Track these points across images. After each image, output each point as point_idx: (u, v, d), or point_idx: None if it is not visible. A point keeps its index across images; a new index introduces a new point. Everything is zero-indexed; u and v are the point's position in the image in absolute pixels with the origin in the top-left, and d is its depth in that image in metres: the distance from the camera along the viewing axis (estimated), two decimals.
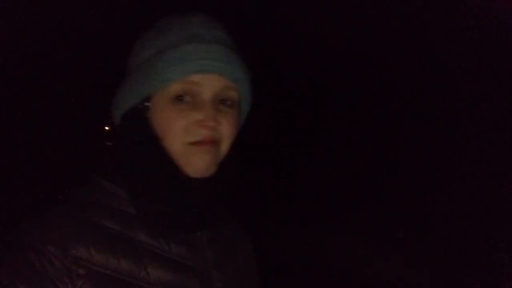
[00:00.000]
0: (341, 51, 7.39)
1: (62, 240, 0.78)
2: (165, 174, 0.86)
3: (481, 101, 5.68)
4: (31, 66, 6.67)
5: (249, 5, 7.02)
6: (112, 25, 6.47)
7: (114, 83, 0.96)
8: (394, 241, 6.10)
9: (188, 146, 0.87)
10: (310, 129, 8.93)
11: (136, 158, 0.87)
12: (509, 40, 5.05)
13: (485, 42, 5.53)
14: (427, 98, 6.43)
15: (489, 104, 5.61)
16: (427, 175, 6.46)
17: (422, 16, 6.09)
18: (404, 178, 6.76)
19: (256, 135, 7.85)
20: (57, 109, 7.30)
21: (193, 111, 0.86)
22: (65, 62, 7.00)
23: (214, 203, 0.90)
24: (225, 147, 0.90)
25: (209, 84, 0.87)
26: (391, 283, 5.38)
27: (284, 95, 8.77)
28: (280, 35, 7.87)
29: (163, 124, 0.87)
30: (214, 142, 0.88)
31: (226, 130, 0.89)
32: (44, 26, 6.36)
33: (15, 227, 0.81)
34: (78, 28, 6.58)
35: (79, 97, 7.46)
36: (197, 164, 0.87)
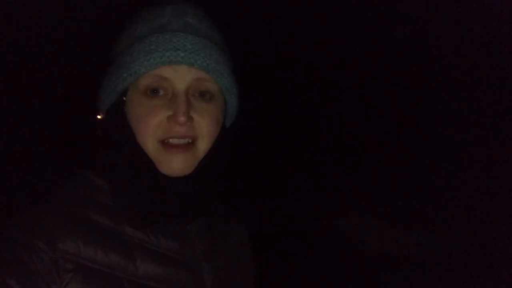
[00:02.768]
0: (340, 47, 7.39)
1: (50, 234, 0.77)
2: (140, 172, 0.83)
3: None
4: (16, 57, 6.58)
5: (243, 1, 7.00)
6: (98, 14, 6.39)
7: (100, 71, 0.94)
8: (396, 214, 6.17)
9: (160, 145, 0.83)
10: (316, 106, 8.90)
11: (114, 154, 0.85)
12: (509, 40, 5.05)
13: (486, 42, 5.53)
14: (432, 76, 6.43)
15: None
16: (429, 150, 6.55)
17: (422, 16, 6.09)
18: (409, 151, 6.83)
19: (261, 113, 7.87)
20: (43, 100, 7.20)
21: (164, 108, 0.82)
22: (51, 53, 6.90)
23: (194, 199, 0.86)
24: (204, 144, 0.86)
25: (179, 77, 0.83)
26: (393, 255, 5.43)
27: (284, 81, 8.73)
28: (280, 33, 7.87)
29: (136, 121, 0.84)
30: (188, 145, 0.84)
31: (203, 127, 0.85)
32: (29, 15, 6.25)
33: (4, 222, 0.80)
34: (63, 17, 6.47)
35: (66, 87, 7.34)
36: (171, 166, 0.83)
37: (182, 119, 0.81)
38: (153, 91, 0.83)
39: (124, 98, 0.86)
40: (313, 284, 4.58)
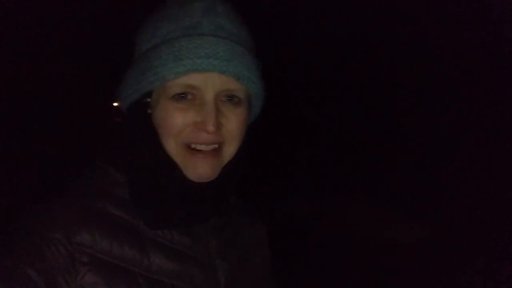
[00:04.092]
0: (340, 47, 7.40)
1: (67, 227, 0.77)
2: (160, 173, 0.83)
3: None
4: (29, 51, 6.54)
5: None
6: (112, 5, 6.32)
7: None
8: (408, 207, 6.20)
9: (185, 148, 0.82)
10: (328, 101, 8.88)
11: (136, 153, 0.85)
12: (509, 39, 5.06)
13: (486, 42, 5.54)
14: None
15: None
16: (429, 150, 6.58)
17: (422, 16, 6.10)
18: (419, 145, 6.84)
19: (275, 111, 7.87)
20: (61, 91, 7.16)
21: (192, 112, 0.81)
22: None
23: (215, 201, 0.87)
24: (231, 149, 0.85)
25: (209, 84, 0.80)
26: (406, 246, 5.47)
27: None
28: (280, 34, 7.87)
29: (160, 122, 0.83)
30: (215, 150, 0.83)
31: (232, 132, 0.84)
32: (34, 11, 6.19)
33: (19, 214, 0.80)
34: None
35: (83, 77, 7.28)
36: (198, 171, 0.82)
37: (211, 128, 0.79)
38: (181, 95, 0.81)
39: (149, 100, 0.85)
40: (314, 284, 4.58)
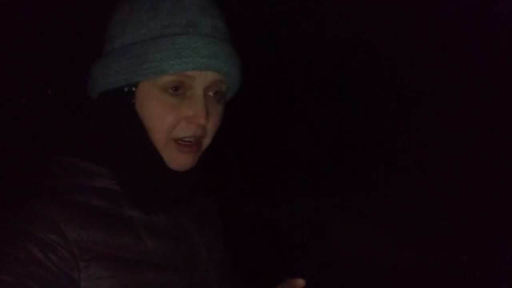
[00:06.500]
0: (340, 47, 7.39)
1: (60, 225, 0.76)
2: (149, 164, 0.86)
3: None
4: None
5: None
6: None
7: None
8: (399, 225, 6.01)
9: (172, 141, 0.87)
10: (315, 107, 8.85)
11: (120, 143, 0.86)
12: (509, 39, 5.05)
13: (486, 42, 5.53)
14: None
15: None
16: (429, 152, 6.47)
17: (422, 17, 6.09)
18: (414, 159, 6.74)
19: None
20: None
21: (184, 107, 0.85)
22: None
23: (190, 187, 0.93)
24: (208, 142, 0.92)
25: (201, 79, 0.85)
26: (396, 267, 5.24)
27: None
28: (280, 34, 7.87)
29: (151, 115, 0.85)
30: (197, 143, 0.89)
31: (212, 126, 0.90)
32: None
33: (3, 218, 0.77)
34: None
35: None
36: (179, 162, 0.88)
37: (204, 121, 0.85)
38: (173, 89, 0.84)
39: (134, 89, 0.86)
40: None
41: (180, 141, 0.87)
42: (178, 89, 0.85)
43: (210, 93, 0.88)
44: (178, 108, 0.85)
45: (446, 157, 6.21)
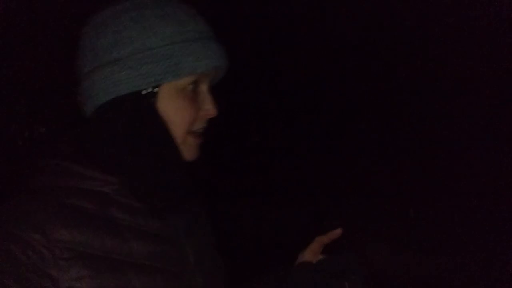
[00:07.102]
0: (340, 47, 7.40)
1: (44, 225, 0.76)
2: (167, 160, 0.90)
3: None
4: None
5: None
6: None
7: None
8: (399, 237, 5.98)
9: (189, 134, 0.92)
10: (315, 115, 8.85)
11: (141, 141, 0.88)
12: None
13: (486, 42, 5.53)
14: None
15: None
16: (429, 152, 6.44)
17: (423, 16, 6.09)
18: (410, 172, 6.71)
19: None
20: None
21: (200, 101, 0.92)
22: None
23: (199, 178, 0.98)
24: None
25: (213, 76, 0.95)
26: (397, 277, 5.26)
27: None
28: (280, 33, 7.88)
29: (176, 112, 0.90)
30: (204, 134, 0.95)
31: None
32: None
33: None
34: None
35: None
36: (193, 153, 0.94)
37: (215, 114, 0.94)
38: (191, 86, 0.91)
39: (156, 90, 0.88)
40: None
41: (192, 133, 0.93)
42: (194, 86, 0.92)
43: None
44: (196, 103, 0.92)
45: (445, 158, 6.20)
